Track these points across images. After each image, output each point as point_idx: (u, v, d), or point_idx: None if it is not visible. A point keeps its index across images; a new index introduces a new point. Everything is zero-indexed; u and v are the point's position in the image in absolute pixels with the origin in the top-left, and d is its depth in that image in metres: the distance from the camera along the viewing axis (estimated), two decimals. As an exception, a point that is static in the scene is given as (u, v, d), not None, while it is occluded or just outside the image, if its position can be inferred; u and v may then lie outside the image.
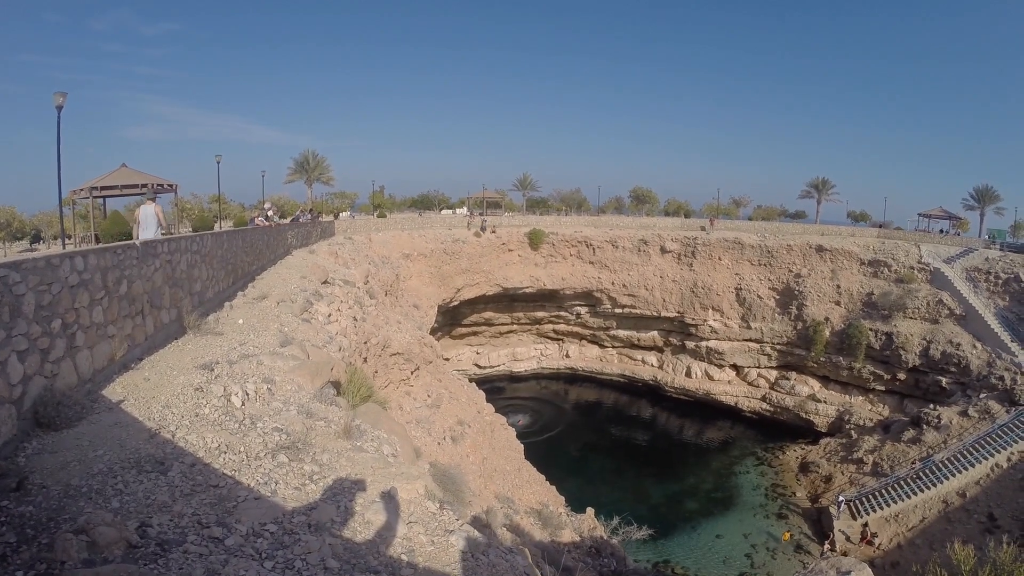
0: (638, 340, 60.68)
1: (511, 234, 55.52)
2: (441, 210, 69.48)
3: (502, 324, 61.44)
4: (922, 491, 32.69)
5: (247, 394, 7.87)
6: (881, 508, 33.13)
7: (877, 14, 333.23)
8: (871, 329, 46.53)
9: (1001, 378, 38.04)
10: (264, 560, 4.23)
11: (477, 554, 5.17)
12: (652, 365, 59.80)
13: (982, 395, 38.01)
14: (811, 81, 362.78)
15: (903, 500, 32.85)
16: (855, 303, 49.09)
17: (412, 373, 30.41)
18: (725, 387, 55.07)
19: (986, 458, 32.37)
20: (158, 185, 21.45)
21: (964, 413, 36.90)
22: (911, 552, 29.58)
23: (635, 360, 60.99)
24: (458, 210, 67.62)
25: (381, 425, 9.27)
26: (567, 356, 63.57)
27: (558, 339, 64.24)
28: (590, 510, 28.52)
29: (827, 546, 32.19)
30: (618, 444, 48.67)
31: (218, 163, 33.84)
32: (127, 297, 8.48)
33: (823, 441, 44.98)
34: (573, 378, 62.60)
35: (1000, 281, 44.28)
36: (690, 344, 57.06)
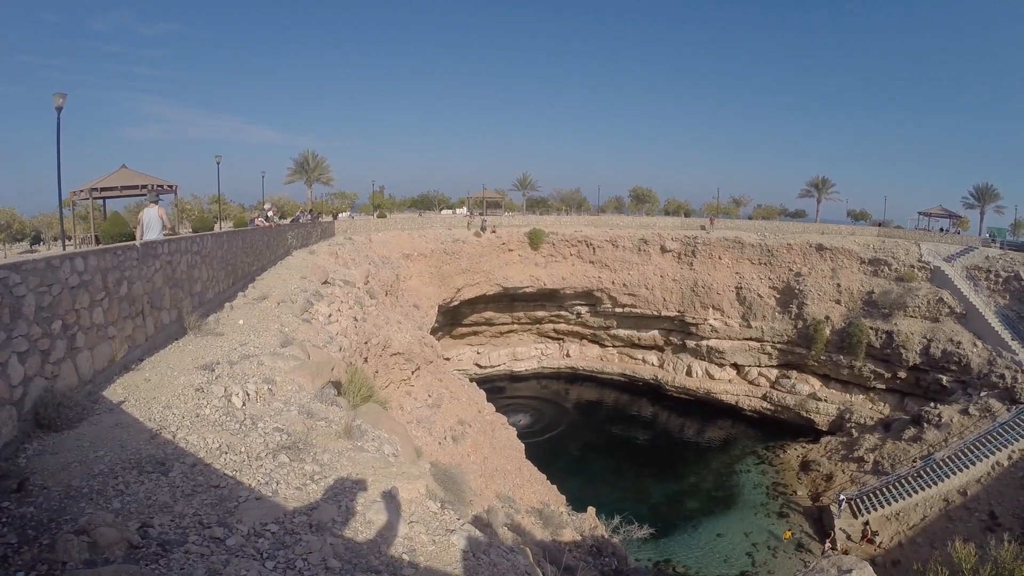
0: (639, 339, 60.68)
1: (511, 234, 55.51)
2: (441, 210, 69.48)
3: (502, 324, 61.46)
4: (923, 489, 32.70)
5: (248, 394, 7.87)
6: (882, 506, 33.15)
7: (877, 14, 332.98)
8: (871, 328, 46.52)
9: (1002, 376, 38.03)
10: (265, 560, 4.23)
11: (478, 553, 5.17)
12: (653, 364, 59.80)
13: (983, 393, 38.02)
14: (811, 81, 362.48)
15: (904, 498, 32.86)
16: (855, 302, 49.08)
17: (413, 373, 30.41)
18: (726, 386, 55.07)
19: (987, 456, 32.39)
20: (158, 186, 21.46)
21: (965, 411, 36.91)
22: (912, 550, 29.59)
23: (636, 359, 60.99)
24: (458, 210, 67.62)
25: (382, 425, 9.27)
26: (568, 355, 63.57)
27: (558, 338, 64.25)
28: (591, 509, 28.54)
29: (828, 544, 32.20)
30: (619, 443, 48.68)
31: (218, 164, 33.89)
32: (127, 298, 8.48)
33: (824, 440, 44.99)
34: (574, 377, 62.61)
35: (1000, 279, 44.27)
36: (691, 343, 57.06)
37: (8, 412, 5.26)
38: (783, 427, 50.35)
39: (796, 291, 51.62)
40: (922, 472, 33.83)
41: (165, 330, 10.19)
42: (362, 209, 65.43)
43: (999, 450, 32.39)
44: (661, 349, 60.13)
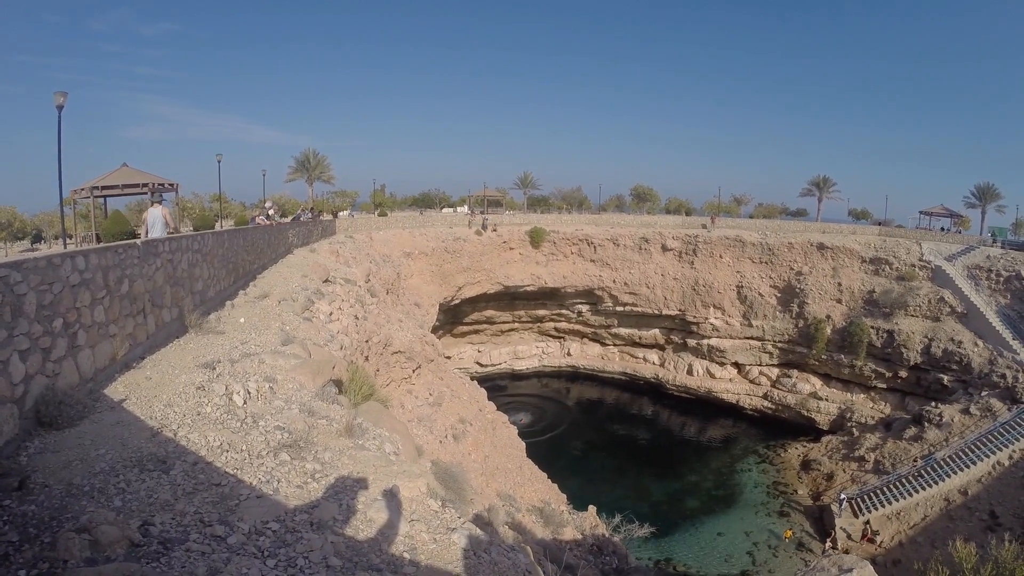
0: (639, 338, 60.67)
1: (512, 232, 55.49)
2: (442, 208, 69.41)
3: (503, 322, 61.46)
4: (924, 489, 32.69)
5: (249, 393, 7.87)
6: (883, 506, 33.14)
7: (877, 14, 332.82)
8: (872, 327, 46.48)
9: (1003, 376, 37.99)
10: (266, 558, 4.23)
11: (479, 552, 5.17)
12: (653, 363, 59.79)
13: (984, 393, 37.97)
14: (812, 80, 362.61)
15: (905, 498, 32.86)
16: (856, 301, 49.03)
17: (414, 371, 30.42)
18: (727, 385, 55.06)
19: (988, 456, 32.37)
20: (159, 184, 21.45)
21: (966, 411, 36.88)
22: (913, 550, 29.59)
23: (636, 358, 60.98)
24: (459, 208, 67.54)
25: (383, 423, 9.28)
26: (568, 354, 63.58)
27: (559, 337, 64.25)
28: (592, 508, 28.58)
29: (829, 544, 32.19)
30: (620, 442, 48.69)
31: (219, 162, 33.93)
32: (128, 296, 8.48)
33: (825, 439, 44.99)
34: (574, 376, 62.62)
35: (1001, 279, 44.20)
36: (691, 342, 57.05)
37: (9, 410, 5.26)
38: (784, 426, 50.33)
39: (797, 290, 51.58)
40: (923, 471, 33.82)
41: (166, 328, 10.20)
42: (363, 207, 65.35)
43: (1000, 450, 32.36)
44: (662, 348, 60.11)
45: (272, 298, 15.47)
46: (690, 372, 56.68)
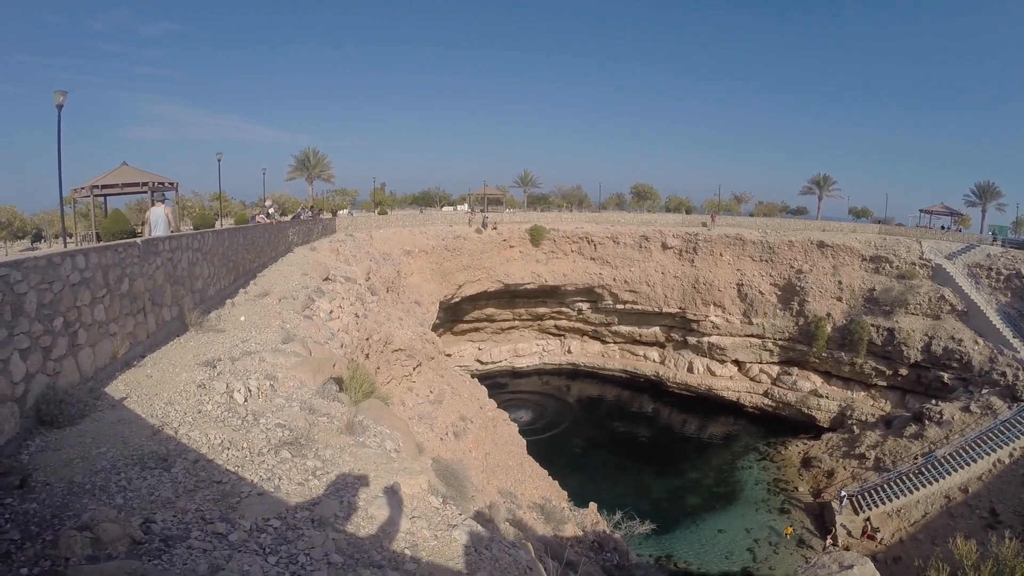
0: (640, 336, 60.67)
1: (512, 230, 55.45)
2: (442, 207, 69.38)
3: (504, 320, 61.46)
4: (924, 486, 32.71)
5: (249, 390, 7.89)
6: (883, 503, 33.17)
7: (877, 14, 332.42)
8: (873, 325, 46.47)
9: (1003, 374, 37.99)
10: (268, 555, 4.24)
11: (480, 548, 5.18)
12: (654, 361, 59.80)
13: (984, 391, 37.96)
14: (812, 80, 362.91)
15: (905, 495, 32.88)
16: (856, 299, 49.02)
17: (414, 369, 30.43)
18: (727, 382, 55.07)
19: (988, 453, 32.38)
20: (159, 183, 21.44)
21: (966, 409, 36.89)
22: (913, 547, 29.63)
23: (637, 356, 60.99)
24: (459, 207, 67.51)
25: (383, 421, 9.28)
26: (569, 352, 63.58)
27: (560, 335, 64.25)
28: (593, 505, 28.59)
29: (829, 541, 32.24)
30: (620, 439, 48.73)
31: (219, 161, 33.96)
32: (129, 295, 8.49)
33: (825, 436, 45.00)
34: (575, 374, 62.64)
35: (1002, 277, 44.17)
36: (692, 340, 57.05)
37: (10, 409, 5.27)
38: (784, 424, 50.36)
39: (797, 288, 51.56)
40: (923, 469, 33.84)
41: (167, 327, 10.21)
42: (363, 206, 65.30)
43: (1000, 447, 32.37)
44: (662, 345, 60.12)
45: (272, 296, 15.48)
46: (690, 370, 56.67)
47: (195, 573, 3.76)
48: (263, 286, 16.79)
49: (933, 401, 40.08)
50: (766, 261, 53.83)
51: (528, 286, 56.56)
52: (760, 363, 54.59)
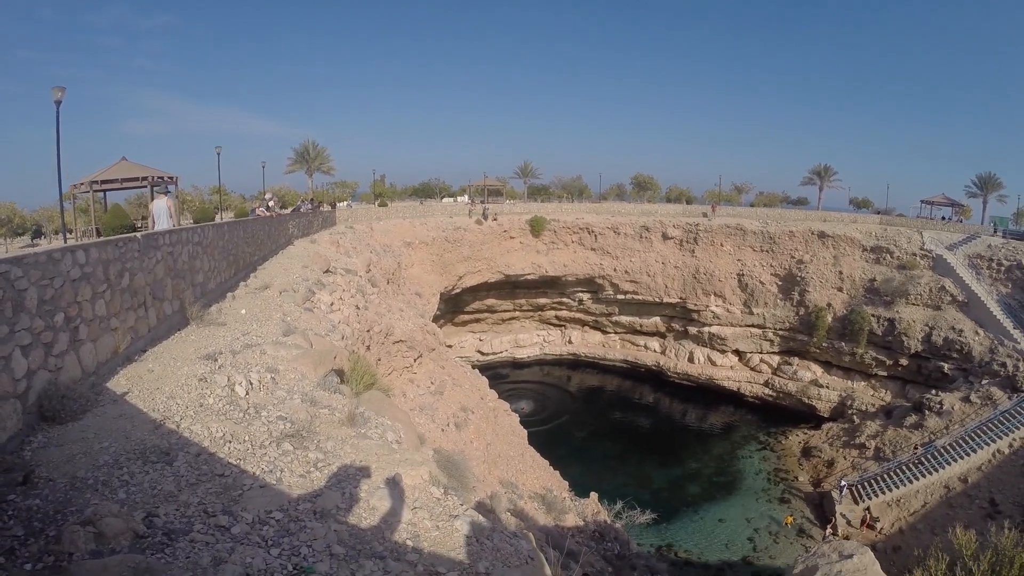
0: (640, 326, 60.71)
1: (512, 221, 55.39)
2: (442, 198, 69.29)
3: (504, 311, 61.49)
4: (924, 476, 32.79)
5: (251, 383, 7.89)
6: (883, 493, 33.27)
7: (879, 4, 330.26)
8: (873, 315, 46.49)
9: (1003, 365, 38.01)
10: (270, 547, 4.26)
11: (482, 538, 5.20)
12: (654, 351, 59.88)
13: (984, 381, 38.00)
14: (813, 70, 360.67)
15: (905, 485, 32.98)
16: (857, 289, 49.01)
17: (415, 360, 30.45)
18: (727, 372, 55.17)
19: (988, 444, 32.42)
20: (158, 178, 21.40)
21: (966, 399, 36.93)
22: (912, 537, 29.73)
23: (637, 346, 61.07)
24: (459, 198, 67.43)
25: (385, 412, 9.31)
26: (569, 342, 63.65)
27: (560, 325, 64.30)
28: (594, 495, 28.73)
29: (829, 530, 32.37)
30: (621, 429, 48.88)
31: (218, 154, 33.85)
32: (129, 290, 8.49)
33: (825, 426, 45.12)
34: (576, 364, 62.73)
35: (1003, 268, 44.12)
36: (692, 330, 57.10)
37: (12, 405, 5.29)
38: (785, 413, 50.47)
39: (798, 278, 51.54)
40: (923, 459, 33.92)
41: (167, 321, 10.21)
42: (363, 198, 65.24)
43: (1000, 438, 32.40)
44: (663, 335, 60.17)
45: (273, 289, 15.48)
46: (691, 360, 56.76)
47: (198, 566, 3.77)
48: (264, 279, 16.77)
49: (933, 391, 40.13)
50: (767, 251, 53.77)
51: (529, 277, 56.54)
52: (761, 353, 54.66)
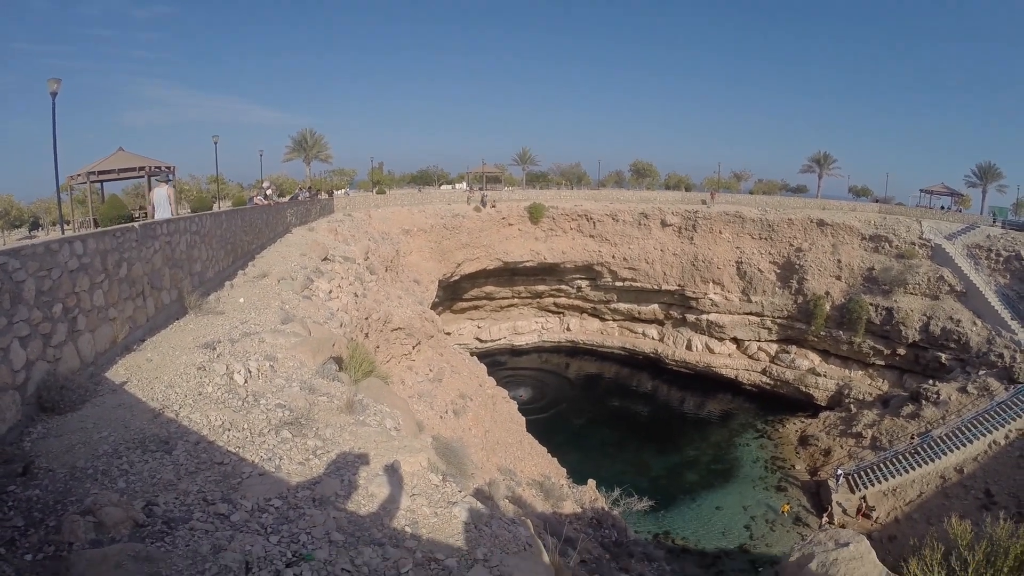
0: (639, 313, 60.77)
1: (511, 208, 55.24)
2: (440, 185, 69.01)
3: (503, 298, 61.50)
4: (920, 466, 32.93)
5: (249, 372, 7.91)
6: (879, 482, 33.46)
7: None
8: (871, 304, 46.51)
9: (1000, 355, 38.06)
10: (270, 535, 4.29)
11: (480, 525, 5.23)
12: (653, 338, 59.97)
13: (981, 372, 38.05)
14: (813, 58, 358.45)
15: (901, 475, 33.14)
16: (856, 278, 49.00)
17: (413, 348, 30.52)
18: (725, 360, 55.31)
19: (984, 435, 32.48)
20: (155, 168, 21.31)
21: (963, 389, 37.00)
22: (908, 526, 29.93)
23: (636, 333, 61.15)
24: (457, 185, 67.16)
25: (383, 399, 9.34)
26: (568, 329, 63.74)
27: (559, 312, 64.36)
28: (591, 482, 28.91)
29: (825, 519, 32.63)
30: (619, 416, 49.07)
31: (215, 144, 33.63)
32: (127, 279, 8.48)
33: (823, 415, 45.31)
34: (574, 351, 62.86)
35: (1001, 259, 44.06)
36: (691, 317, 57.16)
37: (11, 396, 5.31)
38: (782, 402, 50.67)
39: (796, 266, 51.53)
40: (919, 449, 34.06)
41: (166, 310, 10.22)
42: (361, 186, 64.92)
43: (996, 429, 32.46)
44: (661, 323, 60.24)
45: (271, 277, 15.48)
46: (689, 347, 56.88)
47: (198, 554, 3.81)
48: (262, 267, 16.77)
49: (930, 381, 40.26)
50: (765, 239, 53.70)
51: (527, 264, 56.50)
52: (759, 341, 54.76)
